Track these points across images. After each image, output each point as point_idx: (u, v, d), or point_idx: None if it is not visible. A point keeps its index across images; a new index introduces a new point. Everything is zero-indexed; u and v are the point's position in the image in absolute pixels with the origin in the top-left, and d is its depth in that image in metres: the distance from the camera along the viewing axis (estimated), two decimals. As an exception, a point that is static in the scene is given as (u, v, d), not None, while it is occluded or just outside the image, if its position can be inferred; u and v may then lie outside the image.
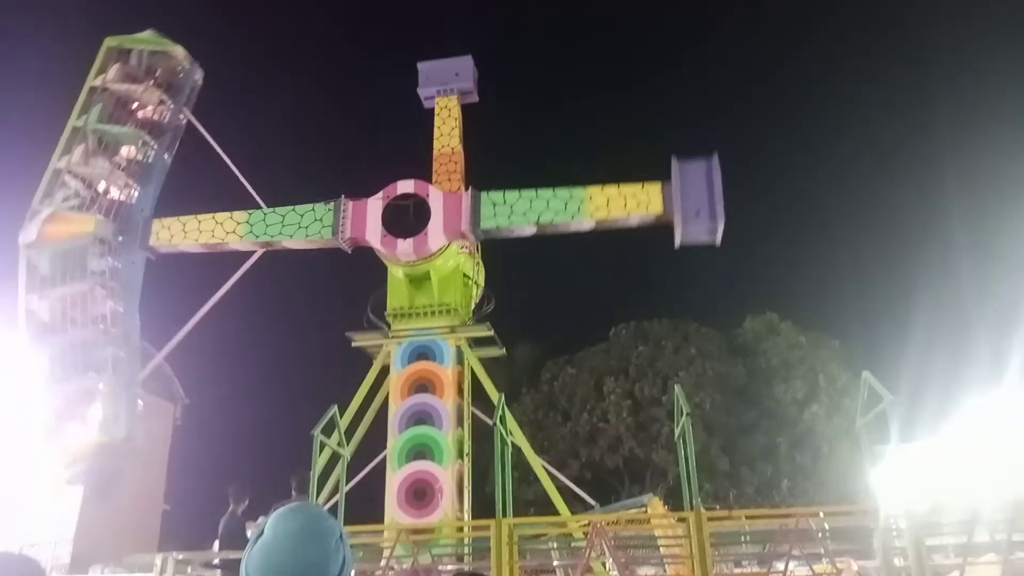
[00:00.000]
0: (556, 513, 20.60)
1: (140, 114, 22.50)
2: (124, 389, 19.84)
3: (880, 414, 11.88)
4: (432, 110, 25.64)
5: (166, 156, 22.76)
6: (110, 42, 22.93)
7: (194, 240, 21.63)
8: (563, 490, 23.15)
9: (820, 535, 11.96)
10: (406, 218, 20.87)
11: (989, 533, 11.18)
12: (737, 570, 16.45)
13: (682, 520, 12.62)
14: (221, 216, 21.79)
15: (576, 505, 25.45)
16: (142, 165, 22.19)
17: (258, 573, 1.80)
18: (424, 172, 23.94)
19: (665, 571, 15.57)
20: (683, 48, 73.54)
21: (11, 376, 20.49)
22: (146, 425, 21.50)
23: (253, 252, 21.95)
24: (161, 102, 22.60)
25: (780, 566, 11.70)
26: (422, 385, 21.11)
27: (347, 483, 15.41)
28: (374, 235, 20.73)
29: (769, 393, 36.43)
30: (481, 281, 24.34)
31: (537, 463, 22.40)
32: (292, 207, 21.50)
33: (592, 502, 24.81)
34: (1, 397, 20.86)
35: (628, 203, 19.37)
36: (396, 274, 21.97)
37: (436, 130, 25.09)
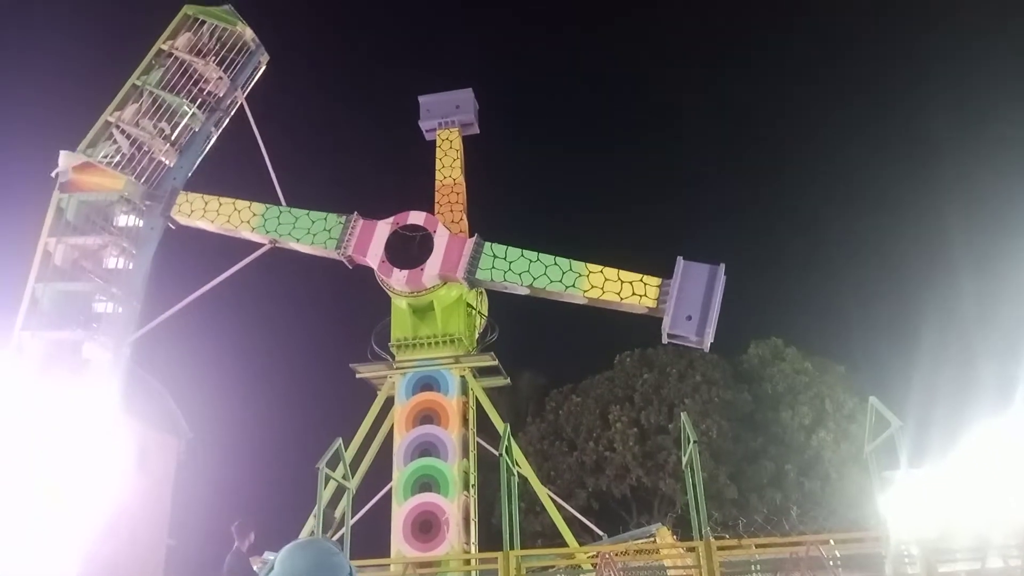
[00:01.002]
0: (564, 544, 20.41)
1: (197, 87, 23.17)
2: (113, 346, 20.22)
3: (888, 439, 11.81)
4: (434, 142, 25.83)
5: (212, 132, 23.54)
6: (188, 10, 23.72)
7: (211, 221, 22.25)
8: (570, 520, 22.96)
9: (831, 563, 11.83)
10: (410, 248, 21.05)
11: (1002, 559, 11.05)
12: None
13: (691, 550, 12.50)
14: (241, 204, 22.37)
15: (584, 536, 25.21)
16: (186, 137, 22.92)
17: None
18: (427, 203, 24.11)
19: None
20: (688, 76, 74.21)
21: (15, 415, 20.47)
22: (150, 460, 21.49)
23: (262, 245, 22.35)
24: (220, 79, 23.28)
25: (791, 595, 11.57)
26: (427, 416, 21.03)
27: (352, 516, 15.31)
28: (374, 257, 20.98)
29: (776, 419, 36.19)
30: (484, 310, 24.35)
31: (544, 493, 22.24)
32: (307, 211, 21.99)
33: (600, 532, 24.58)
34: (6, 435, 20.82)
35: (623, 291, 19.50)
36: (400, 304, 22.00)
37: (438, 162, 25.25)
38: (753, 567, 14.32)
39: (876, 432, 12.12)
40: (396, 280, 20.86)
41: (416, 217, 21.57)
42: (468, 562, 18.57)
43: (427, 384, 21.45)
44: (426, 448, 20.59)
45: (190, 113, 22.75)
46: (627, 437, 36.35)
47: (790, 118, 67.28)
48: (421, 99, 26.13)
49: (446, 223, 22.25)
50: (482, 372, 22.40)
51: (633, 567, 13.99)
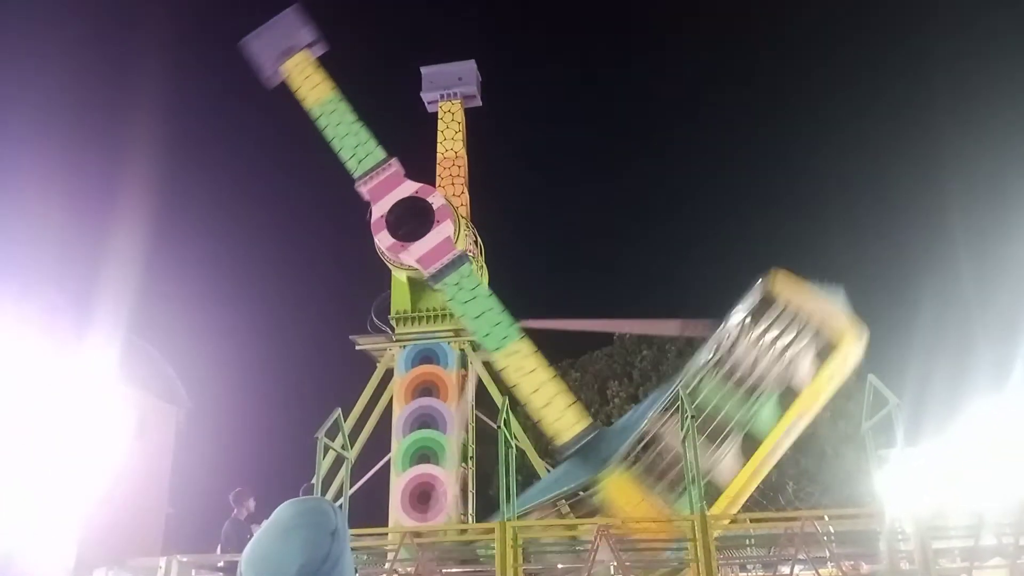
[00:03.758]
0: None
1: None
2: None
3: (885, 417, 11.83)
4: (436, 114, 25.65)
5: None
6: None
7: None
8: (567, 494, 23.08)
9: (825, 538, 11.90)
10: (409, 221, 20.77)
11: (996, 537, 11.12)
12: (742, 574, 16.39)
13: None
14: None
15: (580, 509, 25.37)
16: None
17: (243, 560, 1.79)
18: (428, 176, 23.94)
19: None
20: (683, 45, 73.54)
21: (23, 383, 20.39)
22: (149, 429, 21.46)
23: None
24: None
25: (785, 570, 11.65)
26: (426, 389, 21.11)
27: (351, 486, 15.40)
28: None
29: (773, 397, 36.32)
30: (485, 285, 24.29)
31: (541, 466, 22.40)
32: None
33: (596, 505, 24.72)
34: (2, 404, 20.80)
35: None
36: (400, 277, 21.96)
37: (439, 134, 25.09)
38: (748, 542, 14.43)
39: (874, 410, 12.14)
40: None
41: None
42: (465, 532, 18.71)
43: (426, 357, 21.49)
44: (425, 420, 20.68)
45: None
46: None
47: (785, 94, 66.81)
48: (423, 69, 25.91)
49: (447, 197, 22.07)
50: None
51: (629, 539, 14.07)
